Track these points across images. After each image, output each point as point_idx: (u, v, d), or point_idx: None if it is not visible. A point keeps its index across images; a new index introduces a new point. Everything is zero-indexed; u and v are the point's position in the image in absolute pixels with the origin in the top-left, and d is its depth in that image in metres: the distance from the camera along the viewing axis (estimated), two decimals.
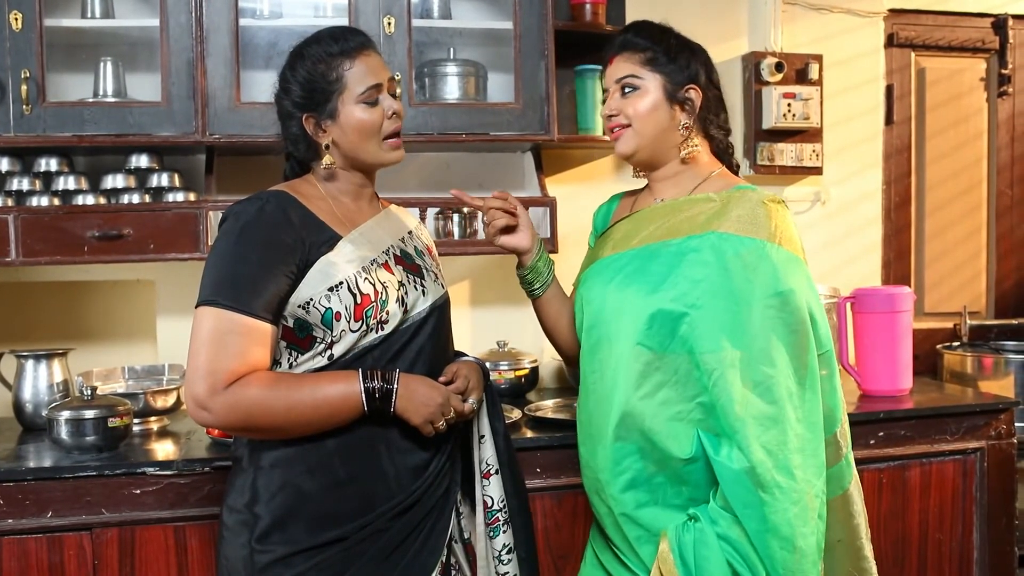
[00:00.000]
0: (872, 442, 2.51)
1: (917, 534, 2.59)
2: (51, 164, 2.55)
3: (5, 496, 2.08)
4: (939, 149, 3.47)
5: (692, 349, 1.60)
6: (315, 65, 1.68)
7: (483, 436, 1.81)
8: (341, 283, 1.62)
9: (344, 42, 1.69)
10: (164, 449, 2.30)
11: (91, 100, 2.53)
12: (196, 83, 2.46)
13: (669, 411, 1.62)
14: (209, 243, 2.45)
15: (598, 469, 1.69)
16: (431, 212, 2.70)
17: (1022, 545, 2.77)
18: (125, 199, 2.54)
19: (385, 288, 1.65)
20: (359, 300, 1.62)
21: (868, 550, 1.78)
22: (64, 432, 2.21)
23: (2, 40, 2.37)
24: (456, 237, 2.72)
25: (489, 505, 1.79)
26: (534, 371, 2.87)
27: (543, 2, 2.63)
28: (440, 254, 1.97)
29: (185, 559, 2.15)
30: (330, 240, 1.65)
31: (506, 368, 2.79)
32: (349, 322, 1.61)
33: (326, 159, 1.71)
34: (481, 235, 2.73)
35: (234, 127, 2.48)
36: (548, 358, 3.05)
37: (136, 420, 2.44)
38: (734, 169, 1.82)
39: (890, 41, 3.38)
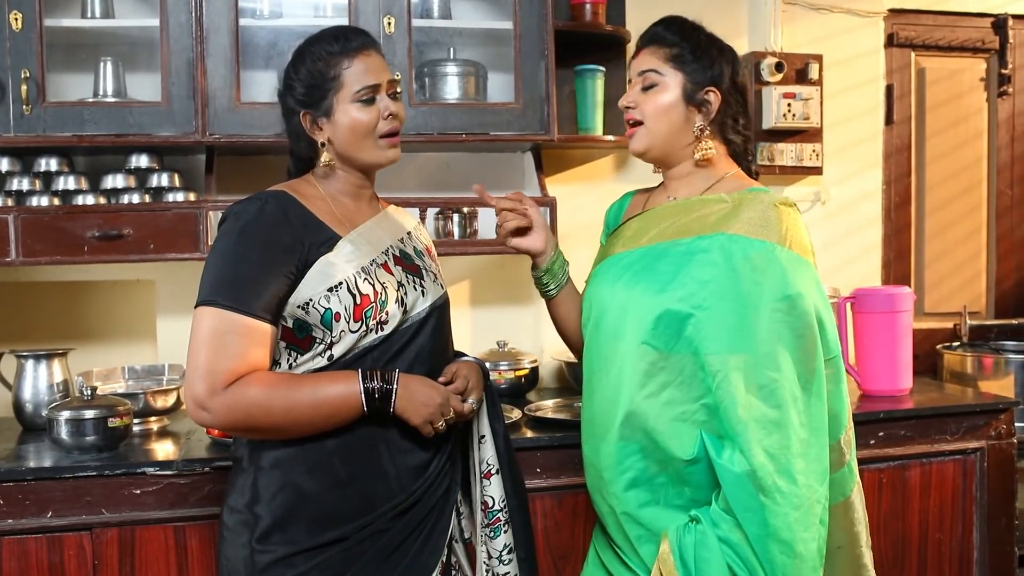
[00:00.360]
0: (872, 442, 2.51)
1: (917, 534, 2.59)
2: (51, 164, 2.55)
3: (5, 496, 2.08)
4: (939, 149, 3.47)
5: (697, 350, 1.59)
6: (315, 63, 1.68)
7: (483, 436, 1.81)
8: (340, 283, 1.62)
9: (345, 41, 1.69)
10: (164, 449, 2.30)
11: (91, 100, 2.53)
12: (196, 83, 2.46)
13: (673, 411, 1.61)
14: (209, 243, 2.45)
15: (601, 467, 1.69)
16: (431, 212, 2.70)
17: (1022, 545, 2.77)
18: (125, 199, 2.54)
19: (385, 288, 1.65)
20: (358, 300, 1.62)
21: (868, 558, 1.77)
22: (64, 432, 2.21)
23: (2, 40, 2.37)
24: (456, 237, 2.72)
25: (490, 505, 1.79)
26: (534, 371, 2.86)
27: (543, 2, 2.63)
28: (440, 254, 1.97)
29: (185, 559, 2.15)
30: (329, 240, 1.65)
31: (506, 368, 2.79)
32: (349, 323, 1.61)
33: (324, 157, 1.71)
34: (481, 235, 2.74)
35: (234, 127, 2.49)
36: (548, 358, 3.05)
37: (136, 420, 2.44)
38: (751, 172, 1.80)
39: (890, 41, 3.37)
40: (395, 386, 1.60)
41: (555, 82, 2.66)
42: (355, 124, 1.68)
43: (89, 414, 2.21)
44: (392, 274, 1.69)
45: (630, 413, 1.63)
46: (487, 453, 1.80)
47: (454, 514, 1.77)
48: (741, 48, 3.23)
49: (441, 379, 1.71)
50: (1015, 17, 3.47)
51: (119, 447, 2.27)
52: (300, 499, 1.61)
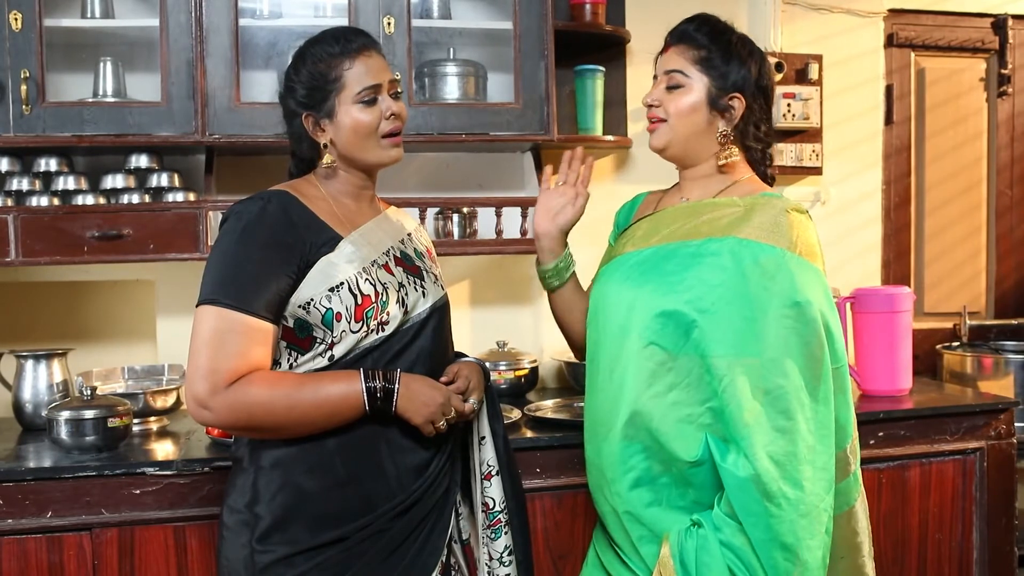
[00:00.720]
0: (872, 442, 2.51)
1: (917, 534, 2.59)
2: (51, 164, 2.55)
3: (5, 496, 2.08)
4: (939, 149, 3.47)
5: (704, 353, 1.59)
6: (316, 65, 1.68)
7: (483, 437, 1.81)
8: (342, 283, 1.62)
9: (346, 43, 1.69)
10: (164, 449, 2.30)
11: (91, 100, 2.52)
12: (196, 83, 2.46)
13: (679, 413, 1.61)
14: (209, 243, 2.45)
15: (603, 466, 1.69)
16: (430, 212, 2.70)
17: (1022, 545, 2.77)
18: (125, 199, 2.54)
19: (386, 289, 1.65)
20: (360, 301, 1.62)
21: (870, 567, 1.76)
22: (64, 432, 2.20)
23: (2, 40, 2.37)
24: (455, 237, 2.72)
25: (491, 507, 1.79)
26: (534, 371, 2.86)
27: (543, 2, 2.63)
28: (440, 254, 1.97)
29: (185, 559, 2.15)
30: (331, 240, 1.65)
31: (505, 368, 2.79)
32: (350, 323, 1.61)
33: (326, 158, 1.71)
34: (480, 235, 2.73)
35: (234, 127, 2.48)
36: (548, 358, 3.05)
37: (136, 420, 2.44)
38: (767, 178, 1.79)
39: (890, 41, 3.37)
40: (397, 385, 1.60)
41: (555, 82, 2.66)
42: (357, 125, 1.68)
43: (89, 414, 2.21)
44: (393, 275, 1.69)
45: (635, 412, 1.63)
46: (487, 454, 1.80)
47: (453, 515, 1.77)
48: None
49: (442, 379, 1.71)
50: (1015, 17, 3.47)
51: (119, 447, 2.27)
52: (300, 499, 1.61)
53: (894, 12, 3.37)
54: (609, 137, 2.93)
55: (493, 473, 1.79)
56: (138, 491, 2.13)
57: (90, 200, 2.54)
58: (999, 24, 3.46)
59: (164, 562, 2.14)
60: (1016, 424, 2.68)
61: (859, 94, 3.34)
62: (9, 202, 2.50)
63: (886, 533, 2.55)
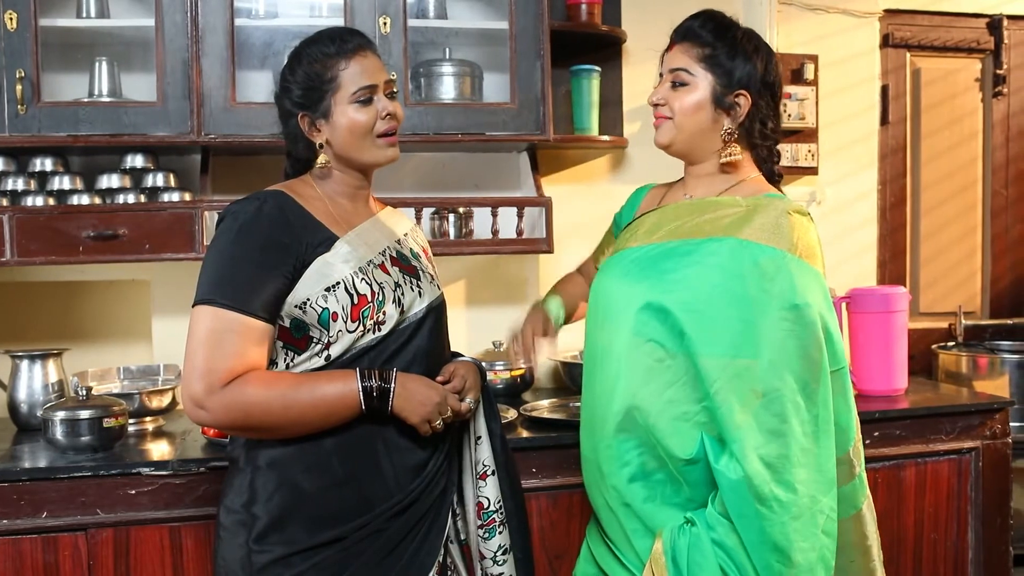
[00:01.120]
0: (867, 442, 2.51)
1: (912, 534, 2.60)
2: (46, 164, 2.54)
3: (0, 496, 2.08)
4: (934, 149, 3.48)
5: (692, 352, 1.59)
6: (311, 65, 1.68)
7: (479, 437, 1.81)
8: (338, 283, 1.62)
9: (341, 43, 1.69)
10: (159, 449, 2.30)
11: (86, 100, 2.52)
12: (191, 83, 2.45)
13: (675, 410, 1.61)
14: (204, 243, 2.44)
15: (599, 460, 1.69)
16: (426, 212, 2.70)
17: (1017, 545, 2.78)
18: (120, 199, 2.54)
19: (382, 289, 1.65)
20: (356, 300, 1.62)
21: (880, 573, 1.76)
22: (59, 432, 2.20)
23: None
24: (451, 237, 2.72)
25: (485, 507, 1.79)
26: (530, 371, 2.86)
27: (539, 2, 2.63)
28: (435, 254, 1.97)
29: (180, 560, 2.15)
30: (327, 240, 1.65)
31: (501, 368, 2.79)
32: (346, 322, 1.61)
33: (321, 158, 1.71)
34: (476, 235, 2.74)
35: (229, 127, 2.48)
36: (544, 358, 3.05)
37: (131, 420, 2.43)
38: (773, 178, 1.78)
39: (885, 41, 3.38)
40: (393, 385, 1.60)
41: (551, 82, 2.66)
42: (353, 125, 1.68)
43: (84, 414, 2.21)
44: (389, 275, 1.69)
45: (631, 407, 1.63)
46: (483, 454, 1.80)
47: (450, 514, 1.77)
48: None
49: (439, 378, 1.71)
50: (1010, 18, 3.47)
51: (114, 447, 2.26)
52: (297, 499, 1.60)
53: (890, 12, 3.38)
54: (605, 137, 2.93)
55: (488, 473, 1.79)
56: (134, 491, 2.13)
57: (85, 200, 2.54)
58: (994, 24, 3.47)
59: (160, 563, 2.14)
60: (1011, 424, 2.68)
61: (855, 94, 3.35)
62: (4, 202, 2.50)
63: (882, 533, 2.50)
